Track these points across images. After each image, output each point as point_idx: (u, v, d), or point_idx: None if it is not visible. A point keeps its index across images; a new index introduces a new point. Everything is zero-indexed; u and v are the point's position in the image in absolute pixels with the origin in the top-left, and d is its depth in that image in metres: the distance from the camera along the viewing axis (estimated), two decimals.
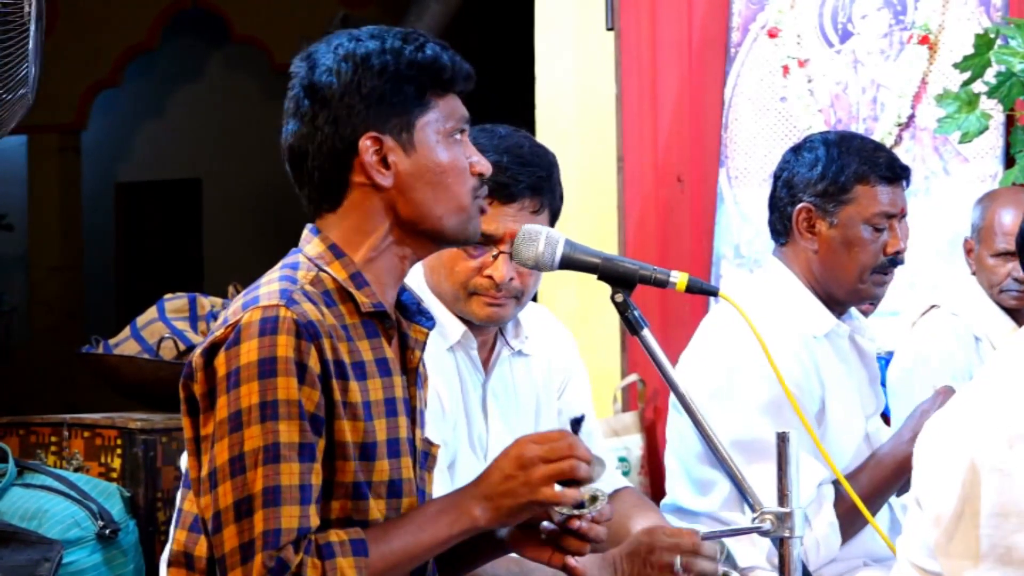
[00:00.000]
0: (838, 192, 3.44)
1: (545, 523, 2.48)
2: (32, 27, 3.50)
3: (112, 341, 4.73)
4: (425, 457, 2.54)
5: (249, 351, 2.32)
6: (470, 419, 3.14)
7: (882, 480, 3.42)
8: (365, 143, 2.42)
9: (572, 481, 2.38)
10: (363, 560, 2.32)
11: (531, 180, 3.02)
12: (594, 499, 2.45)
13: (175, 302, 4.75)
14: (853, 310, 3.59)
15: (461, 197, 2.46)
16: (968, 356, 4.28)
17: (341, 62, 2.43)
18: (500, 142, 3.04)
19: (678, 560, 2.80)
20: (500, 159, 2.98)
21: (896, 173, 3.47)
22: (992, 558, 2.29)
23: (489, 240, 3.00)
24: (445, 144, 2.46)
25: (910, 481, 3.43)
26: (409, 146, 2.44)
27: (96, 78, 11.33)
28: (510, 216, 3.01)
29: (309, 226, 2.50)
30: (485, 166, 2.49)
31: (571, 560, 2.46)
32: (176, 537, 2.46)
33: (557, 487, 2.36)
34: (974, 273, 4.42)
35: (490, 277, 3.03)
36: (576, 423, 2.47)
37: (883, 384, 4.27)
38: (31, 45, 3.51)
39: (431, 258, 3.04)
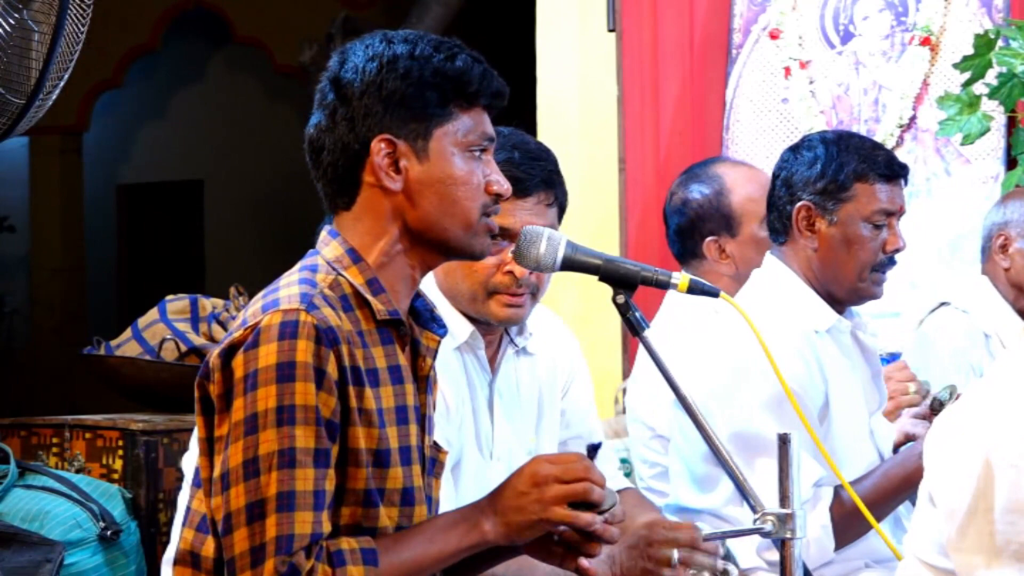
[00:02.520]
0: (837, 190, 3.45)
1: None
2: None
3: (113, 342, 4.73)
4: (433, 464, 2.54)
5: (268, 354, 2.32)
6: (477, 419, 3.15)
7: (890, 489, 3.39)
8: (378, 144, 2.42)
9: (584, 504, 2.38)
10: (373, 569, 2.32)
11: (544, 174, 3.06)
12: (608, 502, 2.45)
13: (177, 303, 4.74)
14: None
15: (469, 212, 2.45)
16: (979, 354, 4.27)
17: (368, 62, 2.44)
18: (506, 140, 3.06)
19: (676, 554, 2.79)
20: (511, 155, 3.02)
21: (895, 171, 3.48)
22: (1006, 554, 2.29)
23: (507, 235, 3.01)
24: (462, 157, 2.45)
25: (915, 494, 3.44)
26: (423, 153, 2.44)
27: (98, 79, 11.33)
28: (527, 210, 3.03)
29: (327, 228, 2.50)
30: (504, 188, 2.49)
31: (584, 561, 2.46)
32: (183, 536, 2.45)
33: (569, 509, 2.36)
34: (1007, 269, 4.37)
35: (510, 273, 3.04)
36: (593, 450, 2.47)
37: None
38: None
39: None
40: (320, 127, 2.47)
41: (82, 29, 3.58)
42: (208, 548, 2.41)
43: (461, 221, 2.45)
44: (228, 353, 2.36)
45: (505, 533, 2.38)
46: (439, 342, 2.55)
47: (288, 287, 2.41)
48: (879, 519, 3.42)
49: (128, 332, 4.72)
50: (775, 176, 3.56)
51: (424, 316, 2.54)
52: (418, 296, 2.54)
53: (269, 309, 2.36)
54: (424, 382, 2.52)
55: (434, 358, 2.54)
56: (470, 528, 2.39)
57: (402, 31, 2.50)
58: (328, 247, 2.47)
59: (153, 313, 4.73)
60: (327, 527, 2.32)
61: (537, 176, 3.05)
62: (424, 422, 2.50)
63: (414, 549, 2.37)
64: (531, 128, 5.16)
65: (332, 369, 2.33)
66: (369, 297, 2.42)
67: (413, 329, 2.51)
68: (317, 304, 2.36)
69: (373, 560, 2.33)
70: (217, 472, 2.35)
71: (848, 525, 3.33)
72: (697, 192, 4.00)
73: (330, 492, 2.33)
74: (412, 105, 2.43)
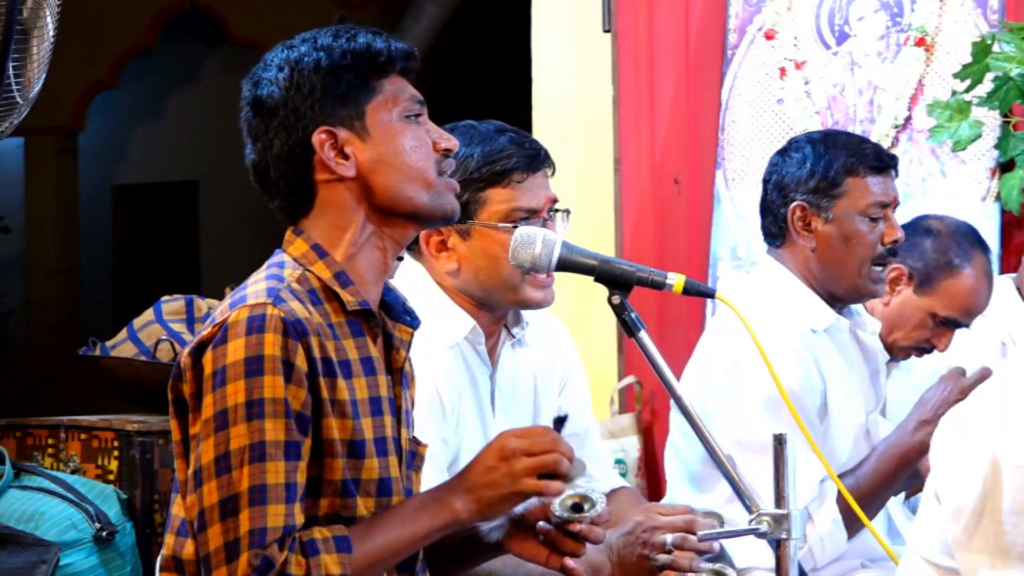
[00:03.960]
0: (829, 187, 3.46)
1: (542, 524, 2.48)
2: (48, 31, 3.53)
3: (109, 343, 4.73)
4: (412, 456, 2.55)
5: (236, 349, 2.33)
6: (483, 414, 3.15)
7: (887, 472, 3.41)
8: (319, 137, 2.44)
9: (554, 476, 2.38)
10: (347, 556, 2.33)
11: (542, 148, 3.11)
12: (593, 502, 2.45)
13: (172, 304, 4.75)
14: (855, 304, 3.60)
15: (425, 172, 2.46)
16: (995, 361, 4.21)
17: (278, 72, 2.46)
18: (492, 125, 3.10)
19: (668, 537, 2.79)
20: (511, 136, 3.08)
21: (884, 162, 3.49)
22: (1012, 555, 2.29)
23: (534, 213, 3.05)
24: (400, 124, 2.47)
25: (913, 476, 3.44)
26: (364, 133, 2.45)
27: (93, 80, 11.32)
28: (539, 184, 3.08)
29: (292, 228, 2.51)
30: (451, 143, 2.50)
31: (569, 562, 2.46)
32: (166, 541, 2.46)
33: (539, 480, 2.36)
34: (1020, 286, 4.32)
35: None
36: (559, 422, 2.47)
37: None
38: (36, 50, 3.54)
39: (474, 256, 3.04)
40: (258, 150, 2.48)
41: (52, 30, 3.56)
42: (188, 551, 2.41)
43: (421, 184, 2.46)
44: (198, 351, 2.37)
45: (477, 510, 2.39)
46: (412, 334, 2.55)
47: (255, 284, 2.42)
48: (882, 503, 3.45)
49: (124, 333, 4.73)
50: (766, 181, 3.57)
51: (396, 309, 2.54)
52: (389, 290, 2.54)
53: (236, 305, 2.37)
54: (398, 374, 2.52)
55: (407, 350, 2.54)
56: (441, 508, 2.39)
57: (299, 34, 2.51)
58: (293, 245, 2.48)
59: (149, 314, 4.74)
60: (300, 519, 2.33)
61: (541, 150, 3.10)
62: (400, 414, 2.50)
63: (387, 533, 2.38)
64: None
65: (301, 361, 2.34)
66: (338, 289, 2.43)
67: (385, 322, 2.52)
68: (284, 298, 2.37)
69: (346, 547, 2.34)
70: (190, 470, 2.36)
71: (852, 516, 3.33)
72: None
73: (302, 485, 2.34)
74: (335, 91, 2.44)
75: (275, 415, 2.32)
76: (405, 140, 2.46)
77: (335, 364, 2.39)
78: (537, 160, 3.08)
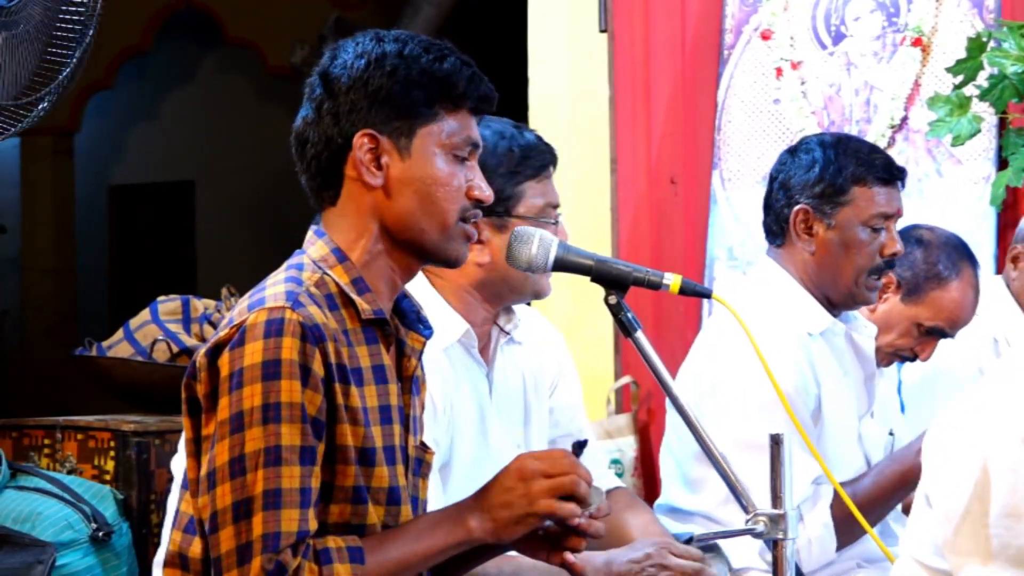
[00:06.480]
0: (835, 194, 3.45)
1: None
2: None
3: (105, 343, 4.72)
4: (419, 464, 2.55)
5: (253, 352, 2.33)
6: (483, 413, 3.15)
7: (886, 487, 3.40)
8: (361, 139, 2.44)
9: (570, 498, 2.38)
10: (359, 567, 2.33)
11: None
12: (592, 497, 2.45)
13: (168, 304, 4.74)
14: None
15: (446, 214, 2.46)
16: (988, 358, 4.21)
17: (357, 58, 2.46)
18: (506, 125, 3.11)
19: None
20: (533, 133, 3.12)
21: (893, 174, 3.49)
22: (1002, 558, 2.29)
23: (556, 208, 3.11)
24: (444, 159, 2.46)
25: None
26: (405, 151, 2.45)
27: (89, 80, 11.30)
28: (553, 180, 3.14)
29: (314, 228, 2.51)
30: (486, 194, 2.50)
31: (570, 556, 2.46)
32: (172, 538, 2.46)
33: (555, 500, 2.37)
34: (1014, 280, 4.33)
35: None
36: (579, 447, 2.47)
37: (898, 387, 4.22)
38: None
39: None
40: (306, 120, 2.49)
41: (72, 37, 3.56)
42: (195, 549, 2.41)
43: (438, 222, 2.46)
44: (214, 352, 2.37)
45: (492, 529, 2.39)
46: (424, 343, 2.55)
47: (274, 286, 2.42)
48: (878, 518, 3.43)
49: (120, 333, 4.72)
50: (772, 179, 3.56)
51: (410, 317, 2.54)
52: (404, 297, 2.54)
53: (255, 308, 2.37)
54: (409, 382, 2.52)
55: (419, 359, 2.54)
56: (456, 525, 2.39)
57: (395, 31, 2.51)
58: (314, 247, 2.48)
59: (145, 314, 4.73)
60: (313, 525, 2.33)
61: (553, 147, 3.15)
62: (408, 422, 2.50)
63: (400, 547, 2.38)
64: None
65: (318, 366, 2.34)
66: (354, 296, 2.43)
67: (398, 330, 2.52)
68: (303, 302, 2.37)
69: (359, 558, 2.34)
70: (204, 471, 2.36)
71: (850, 524, 3.32)
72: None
73: (316, 490, 2.34)
74: (397, 103, 2.44)
75: (291, 419, 2.32)
76: (441, 175, 2.45)
77: (349, 371, 2.39)
78: (556, 157, 3.15)
